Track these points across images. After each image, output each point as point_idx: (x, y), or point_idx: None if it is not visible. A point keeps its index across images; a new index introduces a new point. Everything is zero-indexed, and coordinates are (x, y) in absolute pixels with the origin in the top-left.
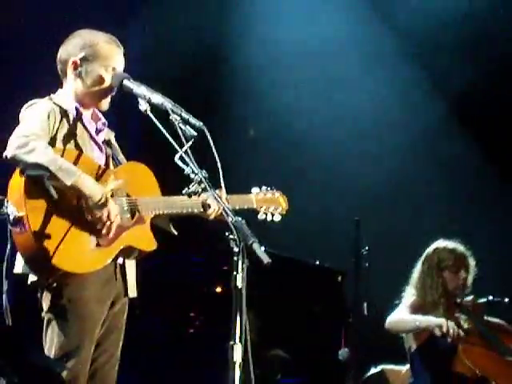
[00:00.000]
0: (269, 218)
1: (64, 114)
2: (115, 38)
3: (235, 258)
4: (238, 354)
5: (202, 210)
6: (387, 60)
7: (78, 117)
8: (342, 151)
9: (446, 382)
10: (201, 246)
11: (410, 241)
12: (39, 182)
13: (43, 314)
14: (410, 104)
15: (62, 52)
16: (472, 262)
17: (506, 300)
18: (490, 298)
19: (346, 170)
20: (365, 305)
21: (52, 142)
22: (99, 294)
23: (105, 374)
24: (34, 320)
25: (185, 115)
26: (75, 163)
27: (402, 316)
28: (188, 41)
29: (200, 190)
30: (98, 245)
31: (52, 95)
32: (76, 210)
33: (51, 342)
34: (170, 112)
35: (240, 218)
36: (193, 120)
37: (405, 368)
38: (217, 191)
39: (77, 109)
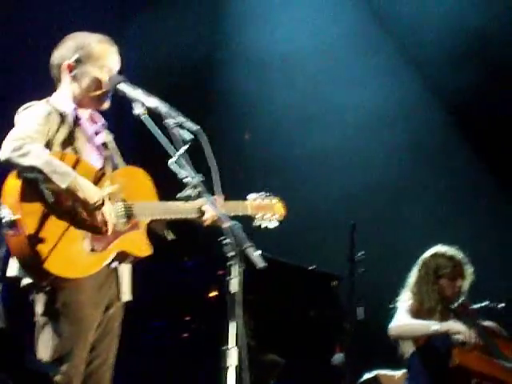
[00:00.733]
0: (264, 224)
1: (61, 116)
2: (108, 38)
3: (231, 263)
4: (233, 359)
5: (198, 215)
6: (387, 65)
7: (76, 119)
8: (338, 156)
9: None
10: (196, 251)
11: (405, 246)
12: (36, 184)
13: (36, 318)
14: (407, 110)
15: (55, 57)
16: (469, 269)
17: (500, 305)
18: (485, 303)
19: (341, 174)
20: (360, 310)
21: (50, 145)
22: (94, 298)
23: (99, 377)
24: (28, 323)
25: (181, 119)
26: (73, 167)
27: (410, 321)
28: (183, 44)
29: (195, 194)
30: (92, 250)
31: (49, 98)
32: (71, 213)
33: (45, 345)
34: (166, 116)
35: (235, 223)
36: (189, 124)
37: (399, 373)
38: (215, 197)
39: (75, 111)
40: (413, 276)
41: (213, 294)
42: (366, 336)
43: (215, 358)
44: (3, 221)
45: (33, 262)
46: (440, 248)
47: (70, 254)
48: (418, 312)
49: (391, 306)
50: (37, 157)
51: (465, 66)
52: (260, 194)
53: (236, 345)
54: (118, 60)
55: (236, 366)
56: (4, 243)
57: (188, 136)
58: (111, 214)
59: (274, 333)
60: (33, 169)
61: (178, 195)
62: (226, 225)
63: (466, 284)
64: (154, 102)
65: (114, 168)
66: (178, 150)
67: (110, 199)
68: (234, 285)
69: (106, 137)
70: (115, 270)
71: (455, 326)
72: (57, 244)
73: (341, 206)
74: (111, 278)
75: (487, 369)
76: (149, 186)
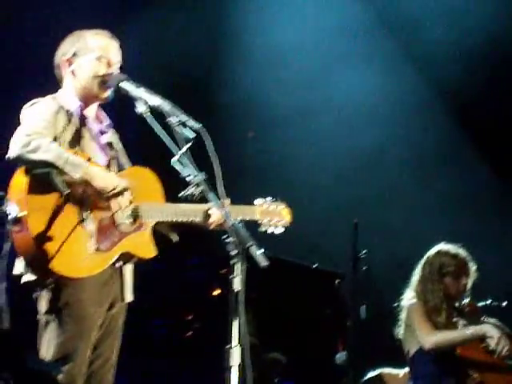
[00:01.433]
0: (270, 230)
1: (68, 114)
2: (106, 31)
3: (234, 261)
4: (236, 357)
5: (204, 218)
6: (389, 63)
7: (82, 118)
8: (341, 154)
9: None
10: (199, 249)
11: (408, 244)
12: (43, 181)
13: (39, 316)
14: (411, 111)
15: (56, 57)
16: (473, 267)
17: (504, 304)
18: (488, 301)
19: (344, 172)
20: (363, 308)
21: (56, 142)
22: (97, 297)
23: (101, 376)
24: (31, 322)
25: (183, 117)
26: None
27: (443, 333)
28: (185, 43)
29: (197, 193)
30: (97, 249)
31: (55, 95)
32: (77, 212)
33: (48, 344)
34: (169, 114)
35: (238, 222)
36: (191, 122)
37: (403, 371)
38: (222, 200)
39: (81, 109)
40: (416, 275)
41: (216, 292)
42: (368, 334)
43: (218, 356)
44: (9, 217)
45: (37, 260)
46: (443, 246)
47: (75, 253)
48: (427, 313)
49: (395, 304)
50: (47, 150)
51: (469, 64)
52: (267, 198)
53: (239, 343)
54: (116, 51)
55: (239, 365)
56: (9, 239)
57: (191, 134)
58: (125, 203)
59: (277, 331)
60: (45, 163)
61: (181, 193)
62: (229, 223)
63: (469, 282)
64: (156, 101)
65: (120, 168)
66: (180, 149)
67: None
68: (237, 283)
69: (111, 137)
70: (119, 269)
71: (490, 330)
72: (62, 242)
73: (343, 205)
74: (114, 276)
75: (489, 367)
76: (156, 187)
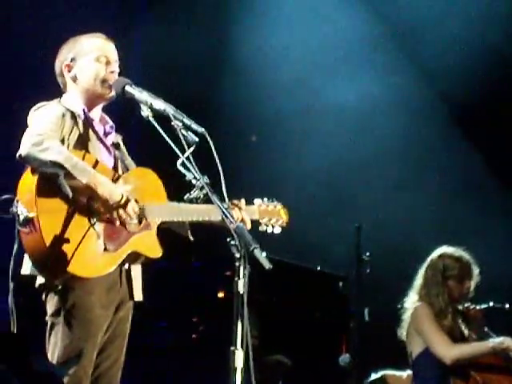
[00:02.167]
0: (269, 229)
1: (74, 117)
2: (101, 33)
3: (237, 264)
4: (239, 360)
5: (219, 218)
6: (389, 64)
7: (87, 120)
8: (344, 158)
9: None
10: (203, 252)
11: (410, 246)
12: (52, 182)
13: (47, 318)
14: (411, 112)
15: (57, 64)
16: (476, 270)
17: (507, 306)
18: (491, 304)
19: (347, 176)
20: (366, 310)
21: (64, 145)
22: (104, 299)
23: (108, 379)
24: (38, 323)
25: (187, 121)
26: (92, 167)
27: (463, 346)
28: (189, 47)
29: (201, 195)
30: (105, 249)
31: (60, 99)
32: (86, 212)
33: (54, 346)
34: (172, 118)
35: (242, 224)
36: (195, 126)
37: (406, 373)
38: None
39: (85, 112)
40: (420, 278)
41: (220, 294)
42: (372, 336)
43: (222, 358)
44: (20, 218)
45: (47, 261)
46: (446, 249)
47: (84, 253)
48: (433, 316)
49: (398, 306)
50: (58, 152)
51: (469, 68)
52: (264, 199)
53: (242, 346)
54: (113, 50)
55: (243, 367)
56: (17, 241)
57: (194, 138)
58: (134, 212)
59: (281, 333)
60: (54, 164)
61: (186, 196)
62: (233, 226)
63: (472, 285)
64: (160, 104)
65: (125, 169)
66: (184, 152)
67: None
68: (241, 286)
69: (115, 138)
70: (125, 270)
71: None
72: (71, 243)
73: (346, 208)
74: (121, 279)
75: (492, 370)
76: (159, 188)
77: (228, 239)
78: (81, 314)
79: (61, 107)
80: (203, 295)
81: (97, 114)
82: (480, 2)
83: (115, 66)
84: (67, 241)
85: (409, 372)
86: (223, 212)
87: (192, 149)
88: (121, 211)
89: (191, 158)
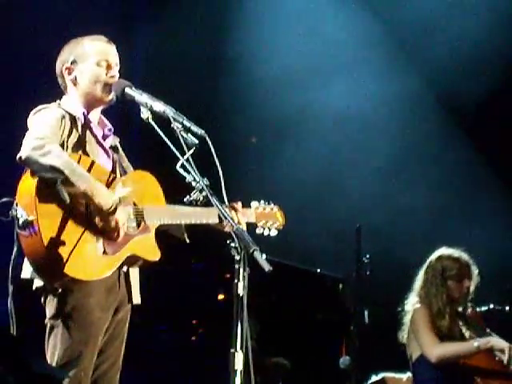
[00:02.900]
0: (266, 232)
1: (73, 120)
2: (103, 36)
3: (237, 266)
4: (239, 362)
5: (217, 221)
6: (388, 64)
7: (86, 123)
8: (343, 159)
9: None
10: (203, 254)
11: (411, 248)
12: (51, 185)
13: (46, 320)
14: (411, 113)
15: (57, 65)
16: (475, 271)
17: (507, 308)
18: (491, 306)
19: (346, 177)
20: (366, 312)
21: (62, 147)
22: (103, 302)
23: (107, 381)
24: (38, 325)
25: (187, 123)
26: (89, 169)
27: (449, 345)
28: (190, 49)
29: (201, 197)
30: (104, 252)
31: (59, 101)
32: (85, 216)
33: (54, 348)
34: (172, 120)
35: (241, 226)
36: (195, 128)
37: (405, 376)
38: (235, 203)
39: (84, 115)
40: (419, 279)
41: (220, 297)
42: (372, 339)
43: (222, 361)
44: (19, 221)
45: (46, 264)
46: (445, 250)
47: (84, 256)
48: (431, 318)
49: (398, 309)
50: (57, 157)
51: (469, 66)
52: (261, 201)
53: (242, 348)
54: (114, 54)
55: (242, 369)
56: (16, 244)
57: (194, 140)
58: (124, 219)
59: (281, 335)
60: (53, 168)
61: (186, 198)
62: (233, 228)
63: (472, 285)
64: (160, 106)
65: (123, 172)
66: (184, 154)
67: (121, 202)
68: (241, 288)
69: (113, 140)
70: (124, 273)
71: (497, 344)
72: (71, 246)
73: (346, 210)
74: (120, 281)
75: (491, 365)
76: (158, 191)
77: (228, 241)
78: (80, 317)
79: (60, 110)
80: (203, 297)
81: (96, 116)
82: (482, 1)
83: (116, 71)
84: (66, 244)
85: (409, 374)
86: (223, 214)
87: (192, 151)
88: (111, 220)
89: (191, 160)
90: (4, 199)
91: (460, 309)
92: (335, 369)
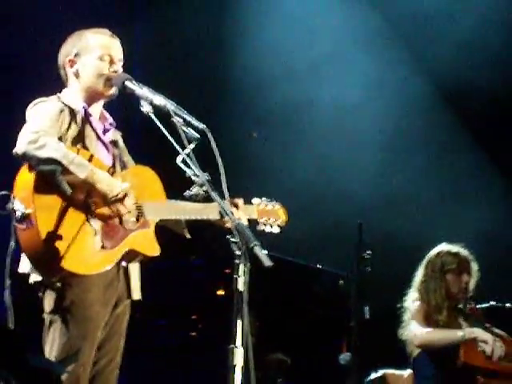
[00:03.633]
0: (267, 229)
1: (73, 113)
2: (107, 29)
3: (237, 261)
4: (239, 358)
5: (218, 217)
6: (396, 67)
7: (86, 117)
8: (345, 155)
9: None
10: (203, 249)
11: (412, 244)
12: (49, 178)
13: (44, 315)
14: (412, 110)
15: (60, 58)
16: (475, 267)
17: (508, 305)
18: (492, 303)
19: (348, 173)
20: (366, 309)
21: (61, 141)
22: (102, 297)
23: (105, 376)
24: (36, 320)
25: (187, 117)
26: None
27: (434, 330)
28: (190, 41)
29: (201, 192)
30: (102, 247)
31: (59, 94)
32: (84, 209)
33: (52, 343)
34: (173, 114)
35: (242, 221)
36: (195, 122)
37: (406, 372)
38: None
39: (84, 108)
40: (419, 275)
41: (220, 292)
42: (372, 335)
43: (222, 356)
44: (16, 214)
45: (45, 257)
46: (445, 246)
47: (82, 251)
48: (426, 313)
49: (399, 305)
50: (54, 149)
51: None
52: (263, 198)
53: (242, 344)
54: (118, 49)
55: (242, 365)
56: (14, 237)
57: (195, 134)
58: (132, 206)
59: (281, 331)
60: (51, 160)
61: (186, 193)
62: (234, 223)
63: (472, 282)
64: (161, 100)
65: (123, 166)
66: (184, 149)
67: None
68: (241, 283)
69: (114, 135)
70: (124, 268)
71: (482, 335)
72: (68, 240)
73: (347, 205)
74: (119, 276)
75: (493, 366)
76: (158, 186)
77: (228, 236)
78: (79, 312)
79: (59, 103)
80: (203, 293)
81: (97, 110)
82: None
83: (119, 66)
84: (64, 237)
85: (409, 371)
86: (223, 209)
87: (192, 145)
88: (119, 205)
89: (192, 154)
90: (1, 192)
91: (460, 305)
92: (335, 365)
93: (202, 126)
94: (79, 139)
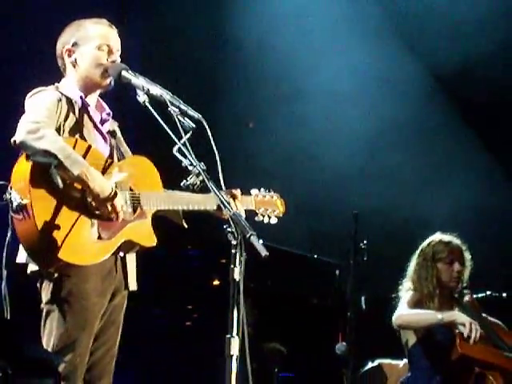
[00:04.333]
0: (265, 220)
1: (70, 103)
2: (105, 19)
3: (233, 251)
4: (235, 347)
5: (215, 207)
6: (393, 62)
7: (84, 107)
8: (341, 145)
9: (444, 376)
10: (199, 239)
11: (407, 234)
12: (45, 169)
13: (42, 305)
14: (409, 102)
15: (58, 47)
16: (468, 256)
17: (504, 295)
18: (488, 293)
19: (343, 164)
20: (362, 298)
21: (59, 131)
22: (100, 287)
23: (102, 367)
24: (33, 310)
25: (183, 107)
26: (85, 154)
27: (413, 311)
28: (188, 32)
29: (198, 182)
30: (99, 238)
31: (57, 84)
32: (79, 201)
33: (50, 333)
34: (169, 104)
35: (238, 211)
36: (191, 112)
37: (402, 362)
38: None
39: (82, 98)
40: (412, 265)
41: (215, 282)
42: (368, 325)
43: (217, 346)
44: (12, 205)
45: (40, 248)
46: (438, 235)
47: (78, 241)
48: (418, 301)
49: (393, 295)
50: (52, 141)
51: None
52: (261, 189)
53: (238, 333)
54: (116, 39)
55: (238, 355)
56: (10, 228)
57: (191, 124)
58: (122, 205)
59: (277, 321)
60: (47, 153)
61: (183, 183)
62: (230, 213)
63: (465, 272)
64: (157, 90)
65: (120, 156)
66: (180, 138)
67: (117, 187)
68: (237, 273)
69: (111, 125)
70: (121, 259)
71: (460, 318)
72: (65, 230)
73: (342, 195)
74: (116, 267)
75: (490, 357)
76: (155, 176)
77: (224, 226)
78: (76, 302)
79: (57, 93)
80: (198, 282)
81: (94, 100)
82: None
83: (116, 56)
84: (60, 228)
85: (405, 361)
86: (220, 199)
87: (188, 135)
88: (109, 205)
89: (188, 144)
90: None
91: (456, 295)
92: (331, 355)
93: (198, 115)
94: (77, 129)
